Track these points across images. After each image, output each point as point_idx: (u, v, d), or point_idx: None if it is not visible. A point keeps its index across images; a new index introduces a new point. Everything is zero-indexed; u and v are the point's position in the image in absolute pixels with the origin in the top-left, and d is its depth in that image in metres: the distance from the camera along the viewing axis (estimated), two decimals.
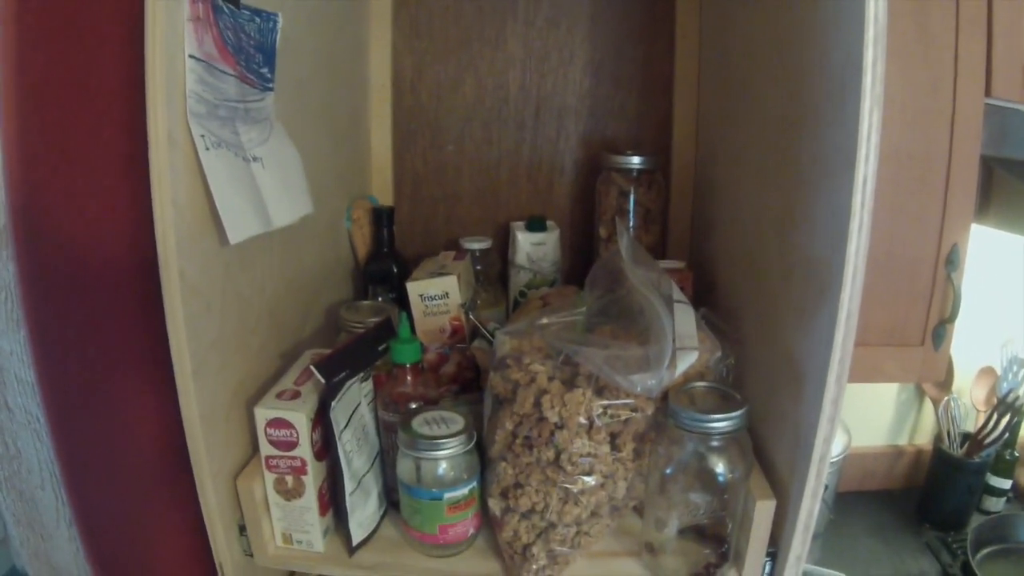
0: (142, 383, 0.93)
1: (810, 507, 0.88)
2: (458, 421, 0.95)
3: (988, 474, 1.67)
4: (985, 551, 1.56)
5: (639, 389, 0.86)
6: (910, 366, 1.35)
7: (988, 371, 1.70)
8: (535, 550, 0.93)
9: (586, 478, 0.90)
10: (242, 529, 0.98)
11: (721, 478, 0.89)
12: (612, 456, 0.91)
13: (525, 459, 0.91)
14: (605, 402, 0.89)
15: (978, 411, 1.69)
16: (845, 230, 0.76)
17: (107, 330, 0.92)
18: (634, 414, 0.90)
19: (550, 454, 0.89)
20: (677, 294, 1.01)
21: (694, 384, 0.93)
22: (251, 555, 0.99)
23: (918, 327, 1.32)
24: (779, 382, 0.94)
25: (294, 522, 0.98)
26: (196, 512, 0.93)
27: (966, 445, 1.65)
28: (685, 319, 0.96)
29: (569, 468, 0.89)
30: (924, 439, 1.81)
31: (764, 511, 0.91)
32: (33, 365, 0.86)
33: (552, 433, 0.89)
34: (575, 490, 0.90)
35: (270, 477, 0.95)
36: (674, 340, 0.90)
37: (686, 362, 0.90)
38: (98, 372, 0.92)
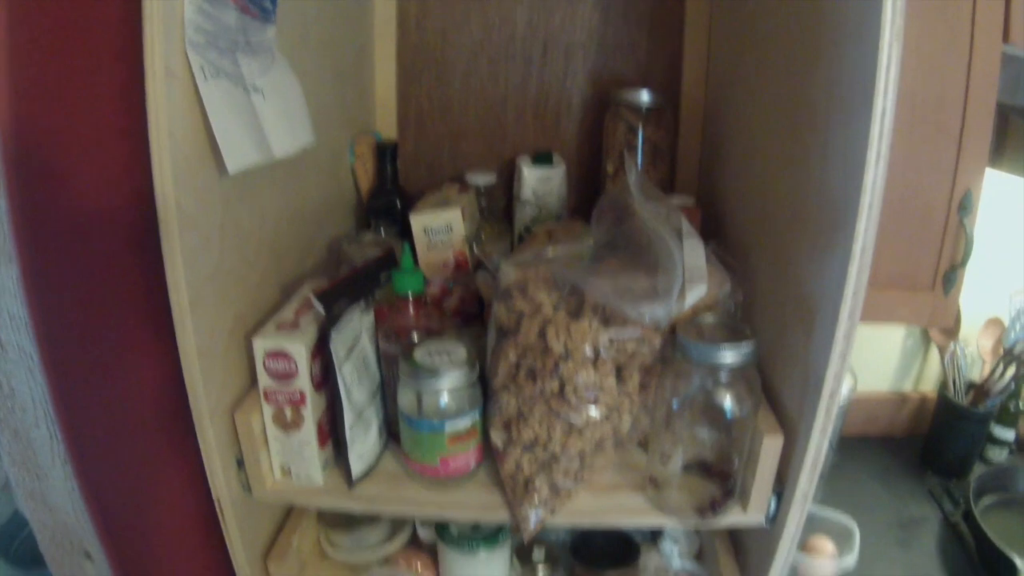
0: (138, 317, 0.92)
1: (818, 444, 0.86)
2: (460, 351, 0.93)
3: (992, 424, 1.66)
4: (987, 501, 1.55)
5: (647, 319, 0.85)
6: (920, 310, 1.34)
7: (995, 321, 1.69)
8: (537, 482, 0.92)
9: (591, 410, 0.89)
10: (240, 463, 0.97)
11: (728, 414, 0.88)
12: (618, 389, 0.89)
13: (528, 390, 0.90)
14: (612, 333, 0.87)
15: (984, 361, 1.68)
16: (862, 162, 0.73)
17: (102, 264, 0.90)
18: (641, 346, 0.89)
19: (554, 385, 0.88)
20: (687, 227, 0.98)
21: (703, 318, 0.91)
22: (249, 490, 0.98)
23: (929, 271, 1.30)
24: (789, 318, 0.93)
25: (293, 455, 0.97)
26: (193, 447, 0.92)
27: (971, 394, 1.64)
28: (694, 252, 0.94)
29: (573, 400, 0.88)
30: (929, 386, 1.80)
31: (771, 447, 0.90)
32: (25, 300, 0.84)
33: (556, 364, 0.88)
34: (579, 423, 0.89)
35: (268, 410, 0.94)
36: (684, 272, 0.88)
37: (695, 294, 0.88)
38: (93, 306, 0.90)
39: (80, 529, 0.87)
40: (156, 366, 0.92)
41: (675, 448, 0.92)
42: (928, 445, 1.72)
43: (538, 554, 1.17)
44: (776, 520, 0.95)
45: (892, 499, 1.61)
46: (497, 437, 0.94)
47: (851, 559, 1.34)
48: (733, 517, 0.95)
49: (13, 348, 0.81)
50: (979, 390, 1.63)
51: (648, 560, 1.18)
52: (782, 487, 0.93)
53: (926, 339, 1.74)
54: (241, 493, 0.99)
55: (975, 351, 1.69)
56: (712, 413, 0.89)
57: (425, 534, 1.21)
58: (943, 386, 1.67)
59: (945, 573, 1.44)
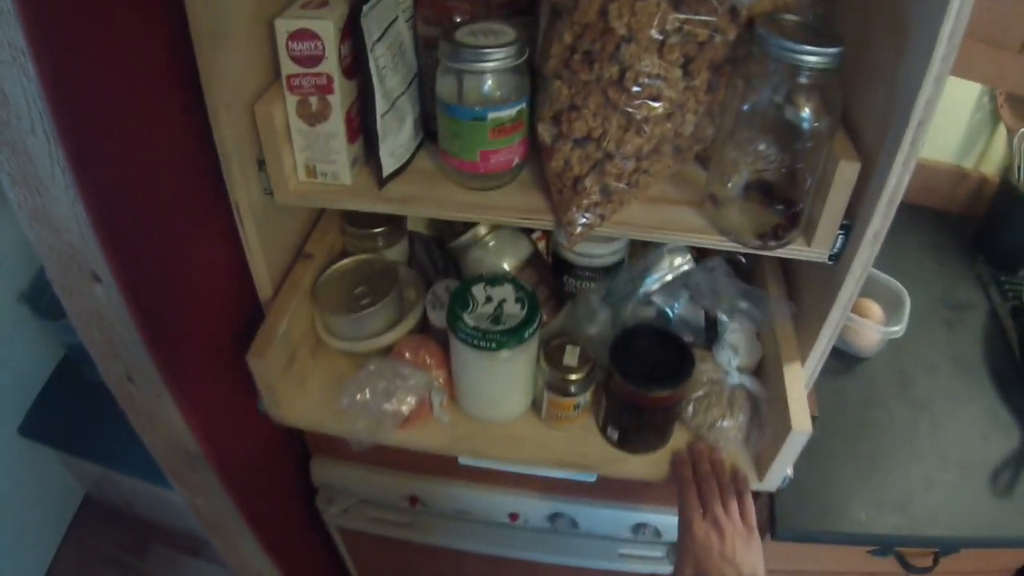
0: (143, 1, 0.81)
1: (899, 177, 0.78)
2: (508, 33, 0.83)
3: None
4: None
5: None
6: (1007, 72, 1.23)
7: None
8: (588, 183, 0.83)
9: (652, 103, 0.79)
10: (261, 164, 0.90)
11: (805, 124, 0.78)
12: (684, 83, 0.80)
13: (584, 77, 0.80)
14: (683, 16, 0.76)
15: None
16: None
17: None
18: (714, 36, 0.78)
19: (613, 71, 0.78)
20: None
21: (783, 15, 0.80)
22: (271, 192, 0.92)
23: (1019, 31, 1.19)
24: (877, 35, 0.82)
25: (319, 151, 0.89)
26: (211, 149, 0.85)
27: None
28: None
29: (634, 89, 0.78)
30: (991, 169, 1.70)
31: (846, 173, 0.81)
32: None
33: (618, 47, 0.77)
34: (638, 116, 0.80)
35: (292, 100, 0.86)
36: None
37: None
38: None
39: (85, 248, 0.80)
40: (164, 55, 0.83)
41: (739, 162, 0.83)
42: (983, 229, 1.65)
43: (571, 357, 1.03)
44: (841, 259, 0.88)
45: (941, 276, 1.55)
46: (545, 131, 0.85)
47: (899, 328, 1.28)
48: (795, 249, 0.88)
49: (4, 47, 0.71)
50: None
51: (701, 372, 1.05)
52: (852, 222, 0.85)
53: (994, 119, 1.62)
54: (262, 197, 0.93)
55: None
56: (783, 128, 0.79)
57: (437, 318, 1.09)
58: (1007, 170, 1.57)
59: (987, 365, 1.41)
